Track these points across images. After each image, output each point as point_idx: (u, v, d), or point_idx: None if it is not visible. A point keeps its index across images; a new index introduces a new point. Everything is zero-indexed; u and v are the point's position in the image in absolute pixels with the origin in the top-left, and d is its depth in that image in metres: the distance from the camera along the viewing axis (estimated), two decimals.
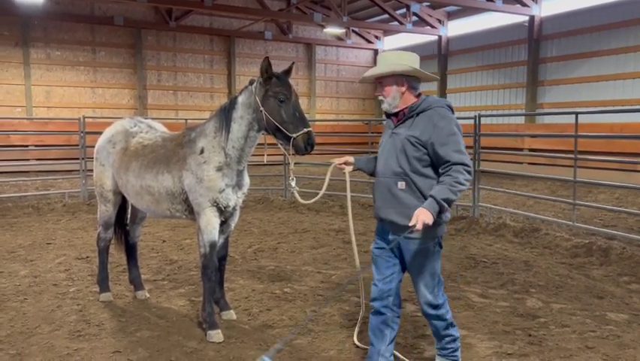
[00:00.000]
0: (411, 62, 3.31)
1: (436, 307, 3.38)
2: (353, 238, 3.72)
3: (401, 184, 3.26)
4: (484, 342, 4.19)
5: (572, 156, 8.02)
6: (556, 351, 4.01)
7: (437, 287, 3.39)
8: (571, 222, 7.79)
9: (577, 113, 7.88)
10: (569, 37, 17.21)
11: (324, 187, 3.80)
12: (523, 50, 18.74)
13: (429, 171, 3.24)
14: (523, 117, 18.60)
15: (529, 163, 16.43)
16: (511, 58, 19.34)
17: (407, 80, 3.31)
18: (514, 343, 4.17)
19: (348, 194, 3.74)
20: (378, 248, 3.49)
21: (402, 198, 3.25)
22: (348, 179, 3.68)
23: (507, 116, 14.81)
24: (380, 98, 3.40)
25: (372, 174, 3.60)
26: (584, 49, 16.77)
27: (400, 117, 3.38)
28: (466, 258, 6.77)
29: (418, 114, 3.27)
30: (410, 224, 3.06)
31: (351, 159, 3.66)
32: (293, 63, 4.26)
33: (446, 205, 3.10)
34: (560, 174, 11.93)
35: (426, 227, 3.08)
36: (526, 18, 18.17)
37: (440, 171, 3.18)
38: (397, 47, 24.62)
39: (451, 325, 3.48)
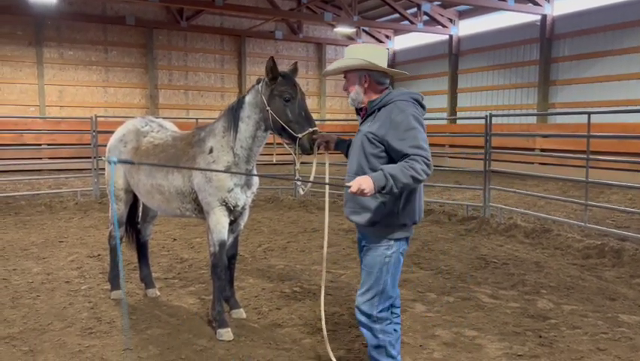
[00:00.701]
0: (371, 56, 3.11)
1: (369, 316, 3.14)
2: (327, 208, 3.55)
3: None
4: (495, 343, 4.17)
5: (584, 156, 7.95)
6: (568, 353, 3.98)
7: (379, 299, 3.13)
8: (583, 223, 7.73)
9: (589, 113, 7.81)
10: (581, 37, 17.05)
11: (313, 172, 3.65)
12: (535, 50, 18.60)
13: None
14: (535, 117, 18.45)
15: (541, 163, 16.28)
16: (523, 57, 19.20)
17: (370, 74, 3.14)
18: (524, 344, 4.15)
19: (327, 176, 3.58)
20: (360, 252, 3.42)
21: (359, 198, 3.07)
22: (327, 162, 3.57)
23: (518, 116, 14.70)
24: (347, 93, 3.27)
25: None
26: (596, 48, 16.61)
27: (363, 113, 3.24)
28: (477, 258, 6.73)
29: (379, 109, 3.09)
30: (347, 184, 2.92)
31: (333, 138, 3.57)
32: (296, 63, 4.21)
33: (392, 183, 2.80)
34: (571, 174, 11.81)
35: (374, 224, 3.03)
36: (538, 17, 18.04)
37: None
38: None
39: (387, 354, 3.16)
